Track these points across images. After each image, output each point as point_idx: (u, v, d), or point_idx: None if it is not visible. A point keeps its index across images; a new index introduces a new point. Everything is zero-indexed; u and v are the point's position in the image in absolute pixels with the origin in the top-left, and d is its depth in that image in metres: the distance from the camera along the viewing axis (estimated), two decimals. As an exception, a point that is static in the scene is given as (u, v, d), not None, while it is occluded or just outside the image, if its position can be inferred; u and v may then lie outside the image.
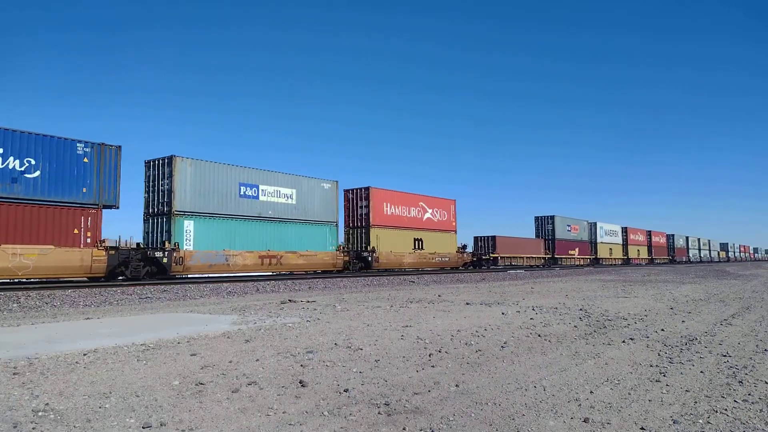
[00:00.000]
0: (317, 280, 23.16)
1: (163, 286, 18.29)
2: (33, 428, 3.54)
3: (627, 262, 71.05)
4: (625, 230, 72.44)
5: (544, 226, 56.21)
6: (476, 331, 7.91)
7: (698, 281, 24.96)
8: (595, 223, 64.00)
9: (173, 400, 4.22)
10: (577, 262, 58.75)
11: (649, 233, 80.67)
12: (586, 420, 3.90)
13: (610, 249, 67.14)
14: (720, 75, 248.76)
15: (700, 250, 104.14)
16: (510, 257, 48.38)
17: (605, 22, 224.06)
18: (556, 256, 55.18)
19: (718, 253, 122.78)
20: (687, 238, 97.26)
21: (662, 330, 8.45)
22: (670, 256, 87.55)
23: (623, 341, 7.32)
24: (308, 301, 12.89)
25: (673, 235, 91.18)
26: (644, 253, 77.73)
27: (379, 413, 4.01)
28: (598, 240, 63.98)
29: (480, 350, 6.48)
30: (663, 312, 11.18)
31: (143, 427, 3.59)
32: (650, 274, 32.93)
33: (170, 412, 3.91)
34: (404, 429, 3.69)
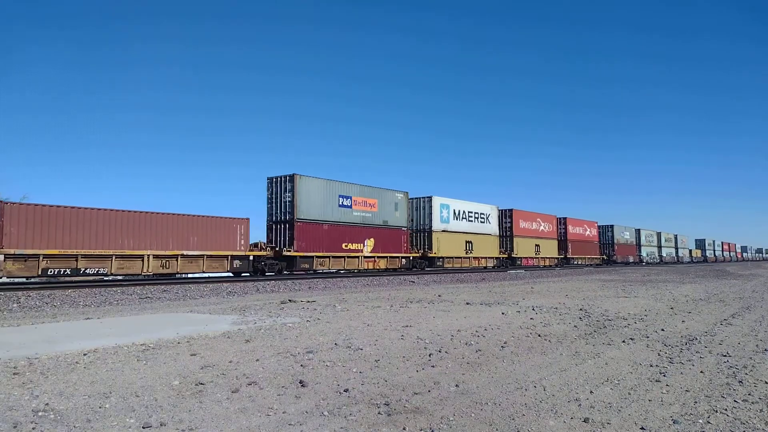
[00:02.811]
0: (317, 280, 23.15)
1: (163, 286, 18.29)
2: (33, 428, 3.54)
3: (510, 263, 44.73)
4: (507, 214, 45.92)
5: (279, 196, 27.43)
6: (476, 331, 7.91)
7: (698, 281, 24.98)
8: (429, 199, 36.27)
9: (173, 400, 4.22)
10: (367, 265, 30.96)
11: (561, 221, 54.18)
12: (586, 420, 3.90)
13: (468, 242, 39.12)
14: (709, 74, 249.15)
15: (660, 247, 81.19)
16: (56, 256, 19.09)
17: (595, 21, 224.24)
18: (292, 252, 26.46)
19: (691, 252, 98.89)
20: (638, 231, 73.70)
21: (662, 330, 8.45)
22: (604, 254, 62.99)
23: (623, 341, 7.32)
24: (308, 301, 12.89)
25: (611, 227, 65.40)
26: (550, 250, 50.72)
27: (379, 413, 4.01)
28: (436, 227, 36.16)
29: (480, 350, 6.48)
30: (663, 312, 11.19)
31: (143, 427, 3.59)
32: (650, 274, 32.95)
33: (170, 412, 3.91)
34: (404, 429, 3.69)
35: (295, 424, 3.73)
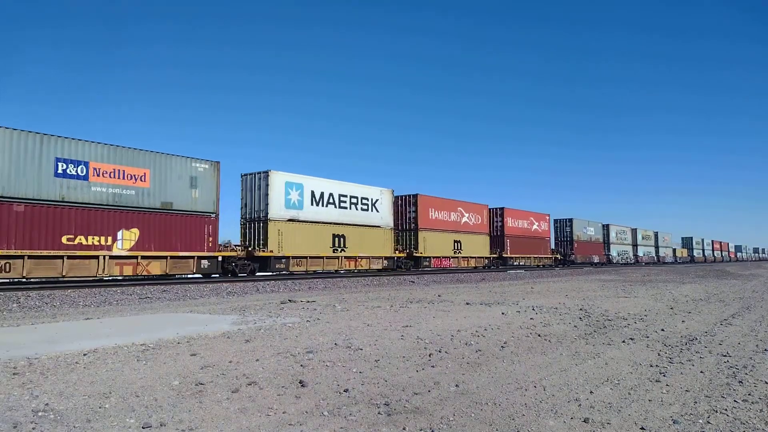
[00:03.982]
0: (317, 280, 23.14)
1: (163, 286, 18.29)
2: (33, 428, 3.54)
3: (413, 264, 34.27)
4: (409, 201, 34.74)
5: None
6: (476, 331, 7.91)
7: (698, 281, 24.98)
8: (266, 175, 25.62)
9: (173, 400, 4.22)
10: (121, 270, 19.76)
11: (496, 213, 44.68)
12: (586, 420, 3.90)
13: (339, 237, 28.91)
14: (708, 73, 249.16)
15: (636, 246, 72.73)
16: None
17: (596, 21, 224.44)
18: None
19: (675, 251, 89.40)
20: (606, 227, 64.63)
21: (662, 330, 8.45)
22: (558, 253, 54.04)
23: (623, 341, 7.32)
24: (308, 301, 12.89)
25: (570, 221, 55.87)
26: (477, 248, 40.16)
27: (379, 413, 4.01)
28: (277, 214, 25.61)
29: (480, 350, 6.48)
30: (663, 312, 11.18)
31: (143, 427, 3.59)
32: (650, 274, 32.96)
33: (170, 412, 3.91)
34: (404, 429, 3.69)
35: (295, 424, 3.73)
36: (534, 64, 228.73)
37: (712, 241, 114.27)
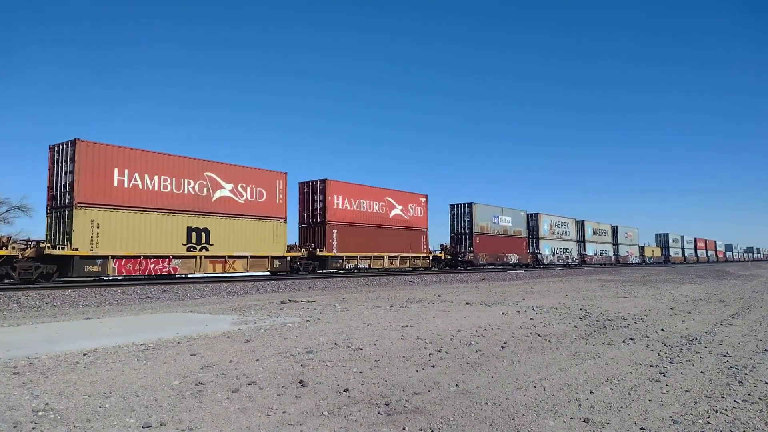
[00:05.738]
0: (317, 280, 23.14)
1: (163, 286, 18.29)
2: (33, 428, 3.54)
3: (51, 270, 18.20)
4: (66, 156, 18.64)
5: None
6: (476, 331, 7.91)
7: (698, 281, 24.98)
8: None
9: (173, 400, 4.22)
10: None
11: (311, 187, 29.18)
12: (586, 420, 3.90)
13: None
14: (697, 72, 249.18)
15: (584, 243, 57.10)
16: None
17: (596, 21, 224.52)
18: None
19: (643, 249, 75.24)
20: (533, 216, 49.29)
21: (662, 330, 8.45)
22: (447, 250, 39.37)
23: (623, 341, 7.32)
24: (308, 301, 12.90)
25: (469, 206, 40.62)
26: (258, 242, 24.48)
27: (379, 413, 4.01)
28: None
29: (480, 350, 6.48)
30: (663, 312, 11.18)
31: (143, 427, 3.59)
32: (650, 275, 32.95)
33: (170, 412, 3.91)
34: (404, 429, 3.69)
35: (295, 424, 3.73)
36: (534, 64, 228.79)
37: (695, 238, 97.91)
